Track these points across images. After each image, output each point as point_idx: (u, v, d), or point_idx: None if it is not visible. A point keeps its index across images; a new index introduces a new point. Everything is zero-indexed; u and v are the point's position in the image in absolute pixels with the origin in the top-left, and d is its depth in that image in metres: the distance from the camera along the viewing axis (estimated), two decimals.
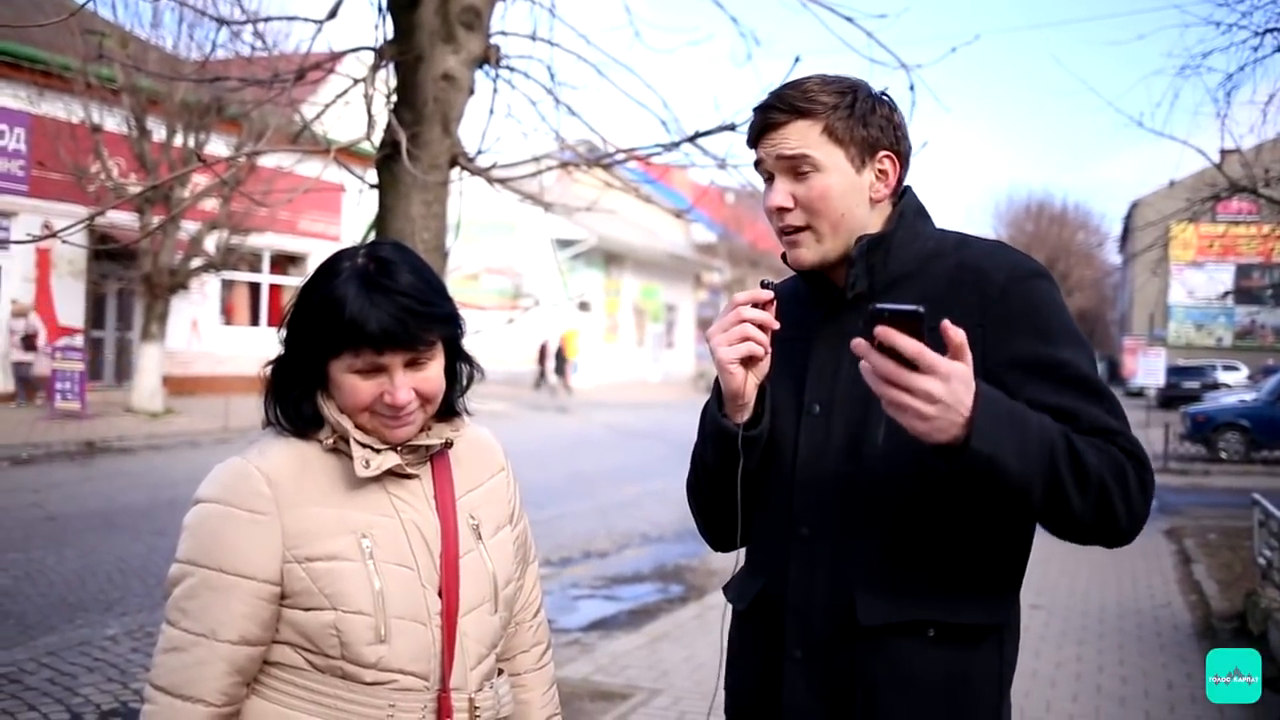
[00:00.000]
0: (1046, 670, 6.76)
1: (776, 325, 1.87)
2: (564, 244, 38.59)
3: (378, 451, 1.82)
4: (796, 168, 1.90)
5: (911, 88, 6.00)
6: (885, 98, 1.96)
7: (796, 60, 4.08)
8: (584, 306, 41.34)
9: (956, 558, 1.84)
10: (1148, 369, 28.75)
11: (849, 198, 1.91)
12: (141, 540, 9.86)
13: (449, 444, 1.93)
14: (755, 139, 1.96)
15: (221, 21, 6.39)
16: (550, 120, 5.85)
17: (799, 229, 1.92)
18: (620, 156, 5.71)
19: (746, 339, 1.85)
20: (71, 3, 6.41)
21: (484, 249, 36.90)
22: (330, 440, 1.83)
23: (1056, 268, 43.71)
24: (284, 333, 1.86)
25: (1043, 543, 1.93)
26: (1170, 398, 35.33)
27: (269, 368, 1.88)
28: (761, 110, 1.95)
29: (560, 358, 36.84)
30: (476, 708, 1.88)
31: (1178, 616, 8.42)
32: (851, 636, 1.86)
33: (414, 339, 1.77)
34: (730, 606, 2.08)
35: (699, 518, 2.14)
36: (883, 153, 1.93)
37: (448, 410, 1.94)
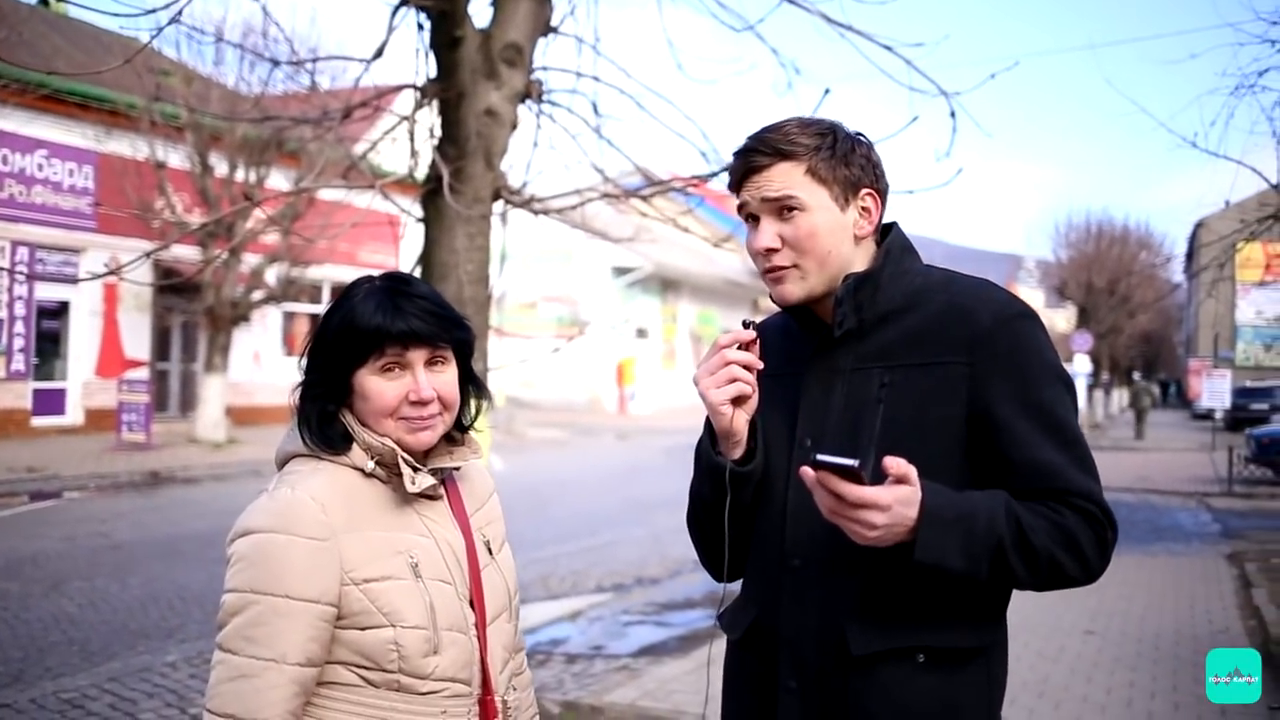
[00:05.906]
0: (1098, 696, 6.70)
1: (761, 365, 1.95)
2: (621, 271, 38.75)
3: (416, 470, 1.92)
4: (782, 208, 1.95)
5: (953, 114, 6.04)
6: (862, 138, 2.02)
7: (826, 93, 4.13)
8: (641, 333, 41.47)
9: (943, 586, 1.86)
10: (1213, 391, 28.36)
11: (835, 235, 1.95)
12: (203, 568, 10.03)
13: (457, 466, 2.04)
14: (738, 183, 2.00)
15: (274, 62, 6.58)
16: (592, 153, 5.96)
17: (785, 267, 1.97)
18: (657, 188, 5.78)
19: (734, 380, 1.92)
20: (137, 42, 6.62)
21: (541, 277, 37.19)
22: (370, 466, 1.92)
23: (1118, 289, 42.90)
24: (306, 360, 1.98)
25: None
26: (1238, 419, 34.45)
27: (296, 393, 1.98)
28: (743, 154, 1.99)
29: None
30: (510, 708, 2.02)
31: (1235, 642, 8.24)
32: (844, 666, 1.90)
33: (434, 336, 1.91)
34: (725, 636, 2.15)
35: (699, 549, 2.20)
36: (865, 190, 1.98)
37: (461, 431, 2.05)
